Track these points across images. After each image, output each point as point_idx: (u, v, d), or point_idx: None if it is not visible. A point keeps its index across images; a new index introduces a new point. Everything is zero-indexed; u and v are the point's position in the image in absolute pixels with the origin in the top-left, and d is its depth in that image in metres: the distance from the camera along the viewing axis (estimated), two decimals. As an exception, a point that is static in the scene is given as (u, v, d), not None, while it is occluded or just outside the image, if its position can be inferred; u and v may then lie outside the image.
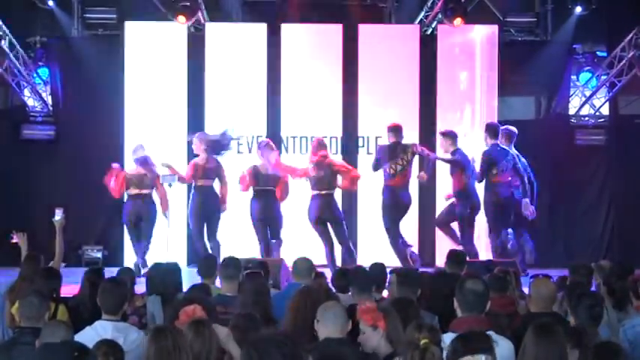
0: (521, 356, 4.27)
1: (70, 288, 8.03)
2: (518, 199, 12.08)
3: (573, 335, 4.42)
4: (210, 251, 11.75)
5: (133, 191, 12.34)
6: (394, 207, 12.08)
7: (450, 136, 12.25)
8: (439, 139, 12.54)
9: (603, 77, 14.44)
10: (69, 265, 12.59)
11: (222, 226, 12.58)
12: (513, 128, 12.52)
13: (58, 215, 7.99)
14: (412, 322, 4.70)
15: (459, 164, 12.10)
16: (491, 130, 12.24)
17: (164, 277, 6.86)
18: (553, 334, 4.23)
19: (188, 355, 4.24)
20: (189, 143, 12.58)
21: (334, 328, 4.61)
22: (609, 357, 3.98)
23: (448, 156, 12.23)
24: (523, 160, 12.36)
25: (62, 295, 6.89)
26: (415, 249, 13.18)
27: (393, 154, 12.03)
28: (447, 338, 4.36)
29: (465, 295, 4.76)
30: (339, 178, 11.86)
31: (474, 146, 13.95)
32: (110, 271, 7.89)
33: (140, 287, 7.53)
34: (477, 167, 12.17)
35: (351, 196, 13.60)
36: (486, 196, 12.06)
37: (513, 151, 12.27)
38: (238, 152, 13.63)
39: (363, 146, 13.94)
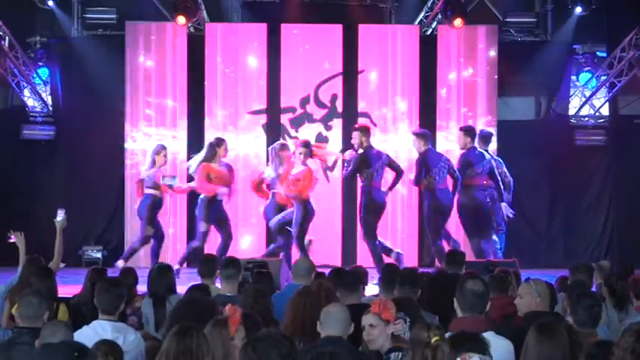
0: (523, 356, 4.27)
1: (70, 288, 8.04)
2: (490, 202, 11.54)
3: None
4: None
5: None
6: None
7: (423, 136, 11.78)
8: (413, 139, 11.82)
9: (603, 77, 14.43)
10: (69, 266, 12.60)
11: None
12: (490, 130, 12.40)
13: (60, 216, 7.97)
14: (416, 321, 4.70)
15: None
16: (470, 132, 11.73)
17: (156, 278, 6.83)
18: (555, 333, 4.22)
19: (210, 357, 4.20)
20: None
21: (335, 330, 4.61)
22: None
23: None
24: (499, 159, 11.94)
25: (63, 295, 6.88)
26: (415, 249, 13.27)
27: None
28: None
29: (465, 295, 4.76)
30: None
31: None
32: (110, 272, 7.89)
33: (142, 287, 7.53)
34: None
35: (352, 197, 13.61)
36: (462, 199, 11.47)
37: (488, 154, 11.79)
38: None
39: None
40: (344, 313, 4.68)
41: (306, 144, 11.40)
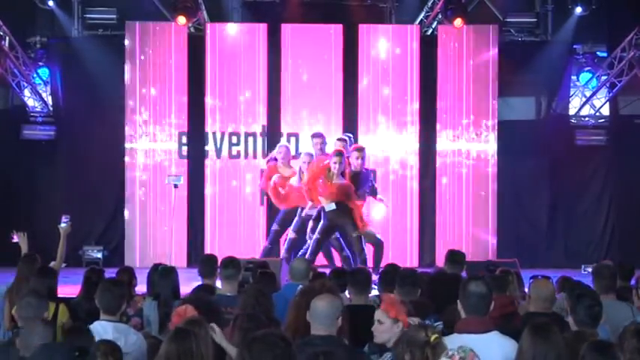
0: (519, 356, 4.26)
1: (70, 288, 8.03)
2: None
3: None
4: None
5: None
6: None
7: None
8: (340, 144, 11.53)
9: (603, 77, 14.43)
10: (69, 266, 12.60)
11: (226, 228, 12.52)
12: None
13: (64, 222, 7.98)
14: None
15: None
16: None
17: (159, 280, 6.81)
18: (550, 334, 4.22)
19: (206, 358, 4.22)
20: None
21: (323, 327, 4.59)
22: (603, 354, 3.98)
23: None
24: None
25: (62, 295, 6.88)
26: (416, 248, 13.25)
27: None
28: (451, 340, 4.34)
29: (468, 297, 4.73)
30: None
31: (476, 147, 14.01)
32: (110, 272, 7.89)
33: (141, 288, 7.52)
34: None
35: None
36: None
37: None
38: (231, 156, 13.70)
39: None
40: (330, 306, 4.66)
41: (340, 153, 11.01)
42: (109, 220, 14.18)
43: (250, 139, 13.85)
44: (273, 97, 13.92)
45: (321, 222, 10.87)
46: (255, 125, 13.89)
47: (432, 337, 3.96)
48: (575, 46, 14.68)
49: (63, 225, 7.93)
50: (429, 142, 14.05)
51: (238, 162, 13.81)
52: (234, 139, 13.86)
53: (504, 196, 14.08)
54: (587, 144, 14.60)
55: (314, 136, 11.86)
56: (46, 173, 14.21)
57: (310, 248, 10.86)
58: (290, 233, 11.32)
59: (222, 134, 13.87)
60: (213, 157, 13.84)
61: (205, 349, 4.26)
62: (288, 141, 13.61)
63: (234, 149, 13.83)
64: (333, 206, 10.84)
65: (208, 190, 13.78)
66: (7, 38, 13.54)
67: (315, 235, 10.86)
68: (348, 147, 11.41)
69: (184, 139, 13.88)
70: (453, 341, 4.32)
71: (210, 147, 13.83)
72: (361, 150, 11.28)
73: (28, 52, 14.20)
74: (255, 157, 13.82)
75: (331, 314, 4.61)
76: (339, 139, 11.68)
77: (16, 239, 7.86)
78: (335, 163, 10.84)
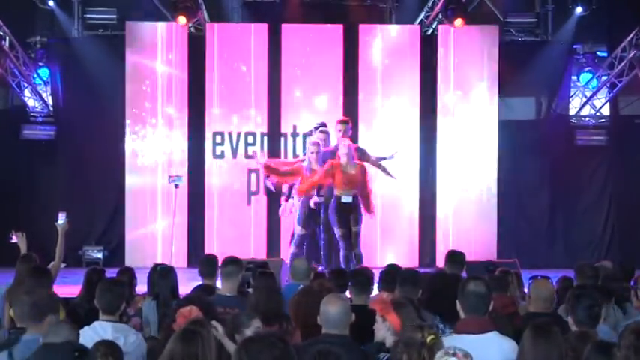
0: (520, 357, 4.27)
1: (70, 288, 8.03)
2: None
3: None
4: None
5: None
6: None
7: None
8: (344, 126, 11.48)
9: (604, 78, 14.43)
10: (69, 266, 12.60)
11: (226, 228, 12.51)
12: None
13: (62, 219, 7.96)
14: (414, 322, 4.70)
15: None
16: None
17: (158, 280, 6.81)
18: (551, 334, 4.22)
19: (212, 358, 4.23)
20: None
21: (334, 325, 4.59)
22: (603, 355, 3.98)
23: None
24: None
25: (62, 295, 6.87)
26: (416, 248, 13.24)
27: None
28: (450, 340, 4.33)
29: (467, 296, 4.74)
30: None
31: (476, 147, 14.01)
32: (111, 272, 7.89)
33: (142, 288, 7.52)
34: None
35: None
36: None
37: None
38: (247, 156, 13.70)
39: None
40: (342, 306, 4.66)
41: (317, 143, 11.28)
42: (109, 220, 14.19)
43: (261, 139, 13.85)
44: (273, 97, 13.91)
45: (330, 215, 10.90)
46: (255, 126, 13.88)
47: (429, 338, 3.96)
48: (575, 46, 14.69)
49: (60, 222, 7.90)
50: (429, 142, 14.05)
51: (244, 162, 13.81)
52: (250, 139, 13.85)
53: (504, 196, 14.08)
54: (588, 144, 14.61)
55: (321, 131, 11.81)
56: (46, 173, 14.21)
57: (324, 250, 11.03)
58: (299, 229, 11.24)
59: (238, 134, 13.85)
60: (229, 158, 13.82)
61: (209, 351, 4.26)
62: (304, 140, 13.61)
63: (250, 149, 13.80)
64: (350, 199, 10.91)
65: (210, 190, 13.78)
66: (7, 38, 13.54)
67: (324, 235, 11.03)
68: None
69: (185, 139, 13.88)
70: (452, 342, 4.32)
71: (225, 147, 13.82)
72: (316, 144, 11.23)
73: (28, 52, 14.20)
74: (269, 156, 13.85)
75: (345, 318, 4.64)
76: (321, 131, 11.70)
77: (15, 239, 7.85)
78: (312, 153, 11.08)
